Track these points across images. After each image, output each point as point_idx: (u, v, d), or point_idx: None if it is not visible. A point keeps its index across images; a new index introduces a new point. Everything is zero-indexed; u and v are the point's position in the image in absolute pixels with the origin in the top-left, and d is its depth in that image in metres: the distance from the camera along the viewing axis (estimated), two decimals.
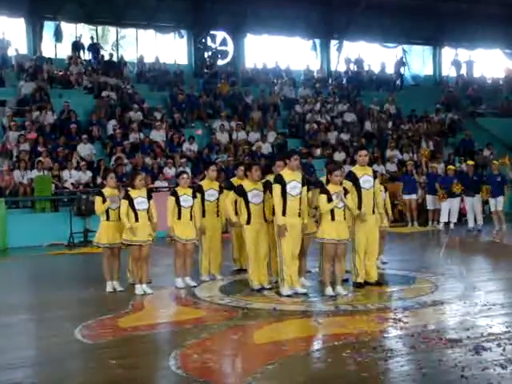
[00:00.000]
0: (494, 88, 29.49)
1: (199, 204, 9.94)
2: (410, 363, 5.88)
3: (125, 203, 9.17)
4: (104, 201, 9.46)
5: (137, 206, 9.13)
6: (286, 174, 8.84)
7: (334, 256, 8.78)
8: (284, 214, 8.68)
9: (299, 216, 8.83)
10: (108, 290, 9.43)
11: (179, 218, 9.54)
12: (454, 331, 6.82)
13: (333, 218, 8.70)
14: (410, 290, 9.16)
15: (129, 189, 9.69)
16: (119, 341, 6.90)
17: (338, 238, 8.70)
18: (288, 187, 8.72)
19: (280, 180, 8.76)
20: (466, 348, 6.17)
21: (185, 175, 9.88)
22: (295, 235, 8.79)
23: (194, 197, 9.74)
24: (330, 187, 8.80)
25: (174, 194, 9.65)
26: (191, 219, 9.62)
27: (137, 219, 9.12)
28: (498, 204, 15.96)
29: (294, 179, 8.80)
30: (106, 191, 9.58)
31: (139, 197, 9.20)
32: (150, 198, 9.36)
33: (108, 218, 9.50)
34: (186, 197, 9.58)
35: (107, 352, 6.44)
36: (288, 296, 8.64)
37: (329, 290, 8.70)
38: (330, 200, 8.68)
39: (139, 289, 9.19)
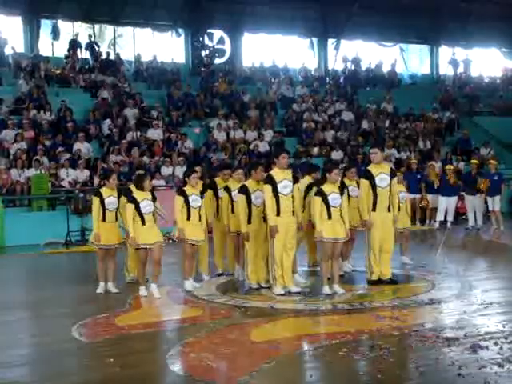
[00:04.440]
0: (491, 87, 29.54)
1: (210, 201, 9.77)
2: (407, 362, 5.89)
3: (130, 207, 8.82)
4: (102, 201, 9.21)
5: (143, 210, 8.80)
6: (276, 173, 8.82)
7: (332, 255, 8.78)
8: (278, 214, 8.67)
9: (293, 215, 8.83)
10: (98, 292, 9.20)
11: (188, 218, 9.18)
12: (451, 330, 6.84)
13: (329, 217, 8.67)
14: (407, 288, 9.19)
15: (130, 187, 9.64)
16: (116, 339, 6.90)
17: (335, 237, 8.70)
18: (279, 186, 8.70)
19: (270, 180, 8.74)
20: (463, 347, 6.19)
21: (195, 174, 9.40)
22: (290, 233, 8.79)
23: (202, 197, 9.42)
24: (326, 186, 8.79)
25: (183, 193, 9.24)
26: (200, 219, 9.30)
27: (143, 223, 8.81)
28: (494, 203, 15.98)
29: (284, 178, 8.79)
30: (105, 191, 9.33)
31: (145, 199, 8.88)
32: (154, 199, 9.05)
33: (104, 219, 9.26)
34: (194, 197, 9.24)
35: (104, 350, 6.45)
36: (281, 295, 8.65)
37: (326, 289, 8.71)
38: (324, 201, 8.64)
39: (156, 291, 8.86)
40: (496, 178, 16.13)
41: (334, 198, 8.69)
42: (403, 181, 11.42)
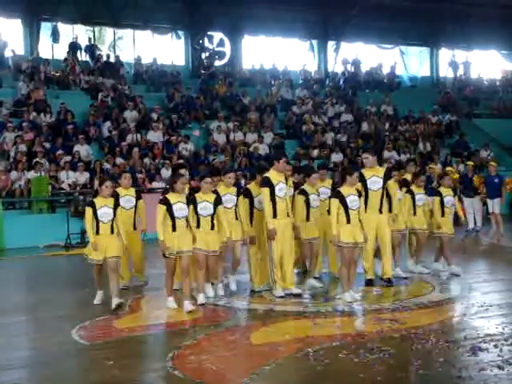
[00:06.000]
0: (491, 89, 29.57)
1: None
2: (407, 364, 5.88)
3: (161, 208, 8.07)
4: (94, 212, 8.41)
5: (175, 214, 8.06)
6: (273, 176, 8.81)
7: (351, 260, 8.49)
8: (275, 216, 8.68)
9: (288, 216, 8.84)
10: (95, 302, 8.68)
11: (197, 226, 8.44)
12: (450, 332, 6.83)
13: (348, 221, 8.43)
14: (407, 290, 9.18)
15: (117, 190, 9.45)
16: (116, 342, 6.91)
17: (354, 241, 8.40)
18: (276, 189, 8.71)
19: (268, 183, 8.73)
20: (463, 349, 6.18)
21: (208, 179, 8.58)
22: (287, 235, 8.80)
23: (216, 204, 8.54)
24: (344, 188, 8.55)
25: (192, 200, 8.46)
26: (212, 228, 8.48)
27: (174, 228, 8.09)
28: (494, 205, 15.95)
29: (280, 180, 8.80)
30: (98, 201, 8.51)
31: (179, 202, 8.12)
32: (189, 203, 8.30)
33: (98, 232, 8.46)
34: (206, 204, 8.46)
35: (104, 353, 6.44)
36: (280, 297, 8.63)
37: (347, 296, 8.39)
38: (343, 204, 8.41)
39: (172, 303, 8.31)
40: (496, 180, 16.10)
41: (352, 200, 8.44)
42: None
